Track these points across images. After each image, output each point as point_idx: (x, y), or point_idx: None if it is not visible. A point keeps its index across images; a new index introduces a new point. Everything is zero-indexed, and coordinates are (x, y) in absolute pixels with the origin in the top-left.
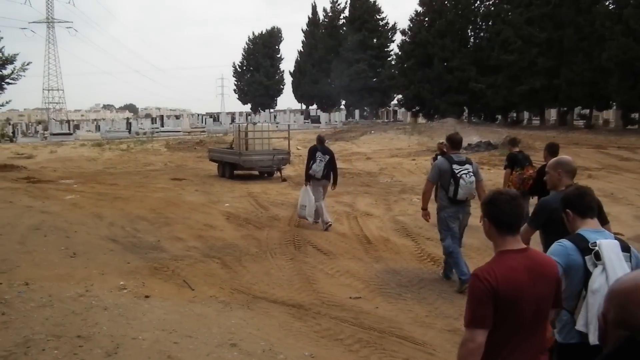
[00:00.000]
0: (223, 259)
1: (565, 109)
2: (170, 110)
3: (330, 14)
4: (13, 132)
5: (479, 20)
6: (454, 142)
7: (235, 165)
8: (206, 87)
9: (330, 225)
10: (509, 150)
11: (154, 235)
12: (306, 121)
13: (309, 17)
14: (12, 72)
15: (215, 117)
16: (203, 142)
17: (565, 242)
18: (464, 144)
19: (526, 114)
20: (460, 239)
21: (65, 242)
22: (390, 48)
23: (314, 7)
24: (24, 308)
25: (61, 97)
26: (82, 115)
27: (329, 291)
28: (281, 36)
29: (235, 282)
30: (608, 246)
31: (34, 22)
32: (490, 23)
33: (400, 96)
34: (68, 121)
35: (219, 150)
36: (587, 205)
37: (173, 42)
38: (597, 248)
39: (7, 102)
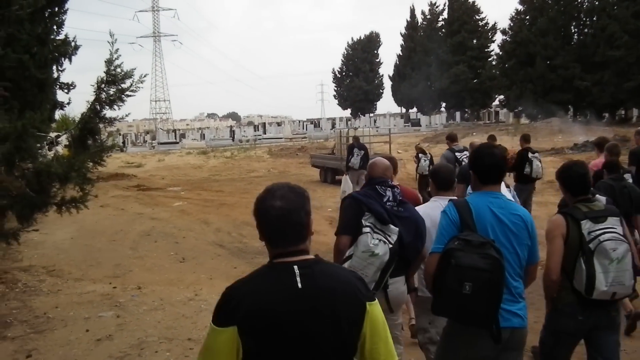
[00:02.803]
0: None
1: None
2: (272, 117)
3: (428, 17)
4: (123, 142)
5: (582, 15)
6: (452, 137)
7: (336, 170)
8: (306, 94)
9: None
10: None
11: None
12: (406, 125)
13: (407, 21)
14: (131, 85)
15: (315, 123)
16: (304, 148)
17: None
18: (569, 144)
19: (635, 112)
20: None
21: (174, 247)
22: (491, 48)
23: (412, 11)
24: (137, 311)
25: (167, 107)
26: (187, 125)
27: None
28: (380, 41)
29: None
30: None
31: (141, 36)
32: (594, 18)
33: (501, 97)
34: (174, 130)
35: (320, 156)
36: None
37: (273, 50)
38: None
39: (126, 115)
